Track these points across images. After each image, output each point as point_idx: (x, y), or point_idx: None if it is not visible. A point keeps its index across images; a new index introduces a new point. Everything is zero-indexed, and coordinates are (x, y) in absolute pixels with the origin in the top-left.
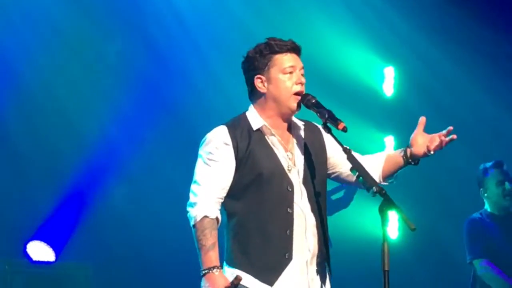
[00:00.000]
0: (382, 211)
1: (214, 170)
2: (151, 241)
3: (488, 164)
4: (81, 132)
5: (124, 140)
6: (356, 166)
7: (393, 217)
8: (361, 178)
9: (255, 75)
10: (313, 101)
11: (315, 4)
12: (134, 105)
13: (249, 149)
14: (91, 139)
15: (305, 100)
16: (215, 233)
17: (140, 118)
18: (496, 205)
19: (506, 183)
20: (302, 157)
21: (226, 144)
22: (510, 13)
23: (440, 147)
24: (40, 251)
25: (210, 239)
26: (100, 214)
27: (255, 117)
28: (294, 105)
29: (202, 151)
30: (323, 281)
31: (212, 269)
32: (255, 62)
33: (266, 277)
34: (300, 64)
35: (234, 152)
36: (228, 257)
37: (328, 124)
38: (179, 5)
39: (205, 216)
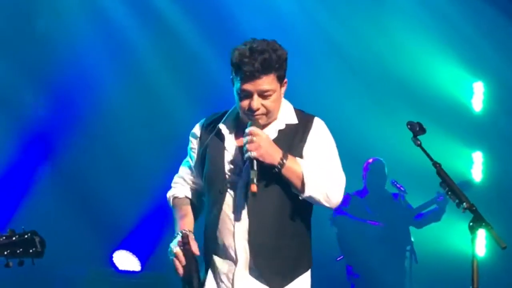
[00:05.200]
0: (473, 228)
1: (187, 160)
2: None
3: None
4: (163, 141)
5: None
6: (447, 182)
7: (481, 234)
8: (450, 193)
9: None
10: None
11: (405, 20)
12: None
13: (206, 145)
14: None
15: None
16: (185, 207)
17: None
18: None
19: None
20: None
21: (195, 136)
22: None
23: None
24: (126, 260)
25: (179, 212)
26: None
27: (226, 114)
28: (248, 121)
29: None
30: None
31: (178, 233)
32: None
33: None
34: (260, 88)
35: (198, 145)
36: None
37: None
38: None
39: (174, 197)
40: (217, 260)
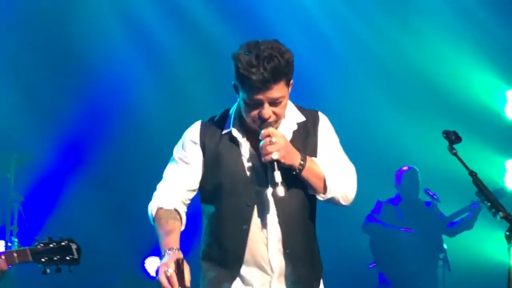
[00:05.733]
0: (509, 237)
1: (179, 169)
2: None
3: None
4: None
5: None
6: (483, 191)
7: None
8: (486, 202)
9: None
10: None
11: (438, 28)
12: None
13: (216, 151)
14: None
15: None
16: (172, 222)
17: None
18: None
19: None
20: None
21: (194, 142)
22: None
23: None
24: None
25: (165, 227)
26: None
27: (231, 117)
28: (256, 129)
29: (175, 147)
30: None
31: (168, 250)
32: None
33: None
34: (271, 97)
35: (202, 152)
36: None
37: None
38: None
39: (159, 208)
40: (246, 272)
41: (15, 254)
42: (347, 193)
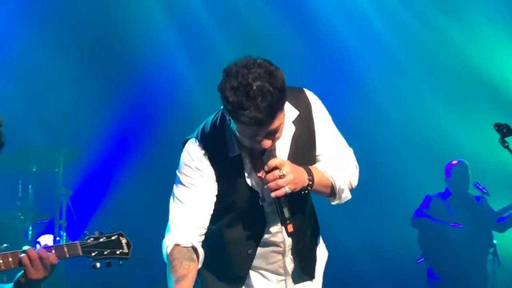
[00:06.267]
0: None
1: (192, 193)
2: None
3: None
4: None
5: None
6: None
7: None
8: None
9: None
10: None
11: (490, 20)
12: None
13: (225, 173)
14: None
15: None
16: (187, 265)
17: None
18: None
19: None
20: None
21: (201, 165)
22: None
23: None
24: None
25: (179, 271)
26: None
27: (232, 137)
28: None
29: (179, 172)
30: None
31: None
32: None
33: None
34: (269, 130)
35: (213, 173)
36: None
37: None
38: None
39: (176, 245)
40: (260, 275)
41: (65, 249)
42: (352, 184)
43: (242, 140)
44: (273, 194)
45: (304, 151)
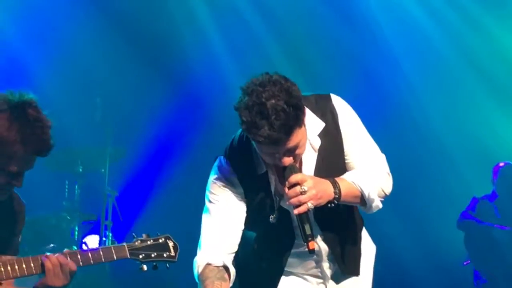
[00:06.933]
0: None
1: (223, 210)
2: None
3: None
4: None
5: None
6: None
7: None
8: None
9: None
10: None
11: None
12: None
13: (254, 190)
14: None
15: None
16: (219, 284)
17: None
18: None
19: None
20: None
21: (232, 182)
22: None
23: None
24: None
25: None
26: None
27: (247, 148)
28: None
29: (209, 190)
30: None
31: None
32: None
33: None
34: (287, 148)
35: (242, 191)
36: None
37: None
38: None
39: (208, 264)
40: (298, 277)
41: (113, 250)
42: (386, 192)
43: (264, 157)
44: (295, 211)
45: (332, 162)
